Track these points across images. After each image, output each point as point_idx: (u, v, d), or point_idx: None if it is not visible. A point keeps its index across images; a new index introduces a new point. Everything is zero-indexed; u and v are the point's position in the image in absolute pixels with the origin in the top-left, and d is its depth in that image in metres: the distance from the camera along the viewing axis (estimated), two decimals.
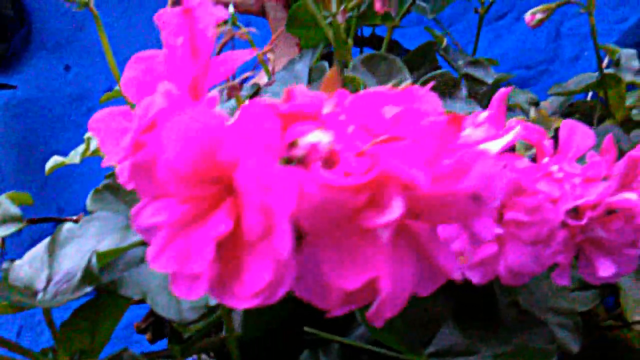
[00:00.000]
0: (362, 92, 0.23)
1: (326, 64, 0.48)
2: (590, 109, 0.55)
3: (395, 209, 0.21)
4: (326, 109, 0.24)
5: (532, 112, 0.49)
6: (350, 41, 0.53)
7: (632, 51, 0.53)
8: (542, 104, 0.61)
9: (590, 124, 0.55)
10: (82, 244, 0.37)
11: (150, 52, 0.25)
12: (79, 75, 1.33)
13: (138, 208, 0.23)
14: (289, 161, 0.22)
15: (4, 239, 0.87)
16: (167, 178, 0.22)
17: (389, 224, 0.21)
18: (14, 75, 1.36)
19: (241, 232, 0.22)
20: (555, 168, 0.38)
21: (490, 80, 0.51)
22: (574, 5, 0.90)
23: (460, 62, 0.53)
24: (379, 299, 0.22)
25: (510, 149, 0.43)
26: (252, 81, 0.60)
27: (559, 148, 0.39)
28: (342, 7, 0.37)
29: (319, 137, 0.21)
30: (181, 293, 0.22)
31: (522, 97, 0.59)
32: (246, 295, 0.21)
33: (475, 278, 0.39)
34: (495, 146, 0.25)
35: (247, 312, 0.43)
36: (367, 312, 0.22)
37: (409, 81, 0.45)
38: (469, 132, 0.25)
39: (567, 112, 0.60)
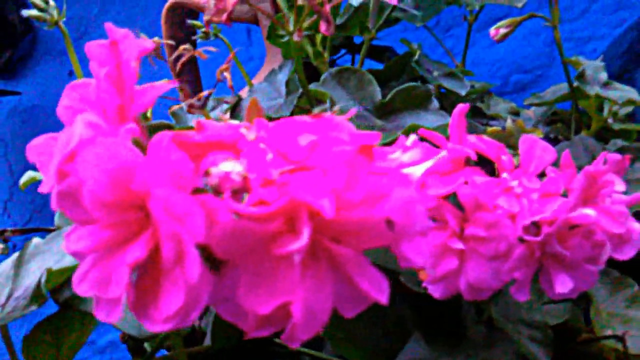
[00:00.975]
0: (280, 120, 0.23)
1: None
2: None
3: (304, 237, 0.21)
4: (250, 137, 0.24)
5: (509, 122, 0.49)
6: (326, 54, 0.53)
7: (600, 63, 0.53)
8: (526, 112, 0.60)
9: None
10: (45, 259, 0.38)
11: (84, 81, 0.26)
12: None
13: (67, 233, 0.24)
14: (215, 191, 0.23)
15: (8, 245, 0.89)
16: (91, 205, 0.23)
17: (298, 251, 0.21)
18: (20, 81, 1.39)
19: (160, 259, 0.22)
20: (514, 183, 0.38)
21: (463, 92, 0.51)
22: (570, 10, 0.90)
23: (436, 74, 0.53)
24: (291, 322, 0.22)
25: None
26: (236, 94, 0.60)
27: (519, 163, 0.39)
28: (297, 27, 0.38)
29: (230, 167, 0.22)
30: (101, 316, 0.23)
31: (503, 106, 0.59)
32: (160, 319, 0.22)
33: (437, 293, 0.39)
34: (418, 170, 0.25)
35: (216, 324, 0.43)
36: (282, 335, 0.22)
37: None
38: (396, 156, 0.25)
39: (550, 120, 0.60)
